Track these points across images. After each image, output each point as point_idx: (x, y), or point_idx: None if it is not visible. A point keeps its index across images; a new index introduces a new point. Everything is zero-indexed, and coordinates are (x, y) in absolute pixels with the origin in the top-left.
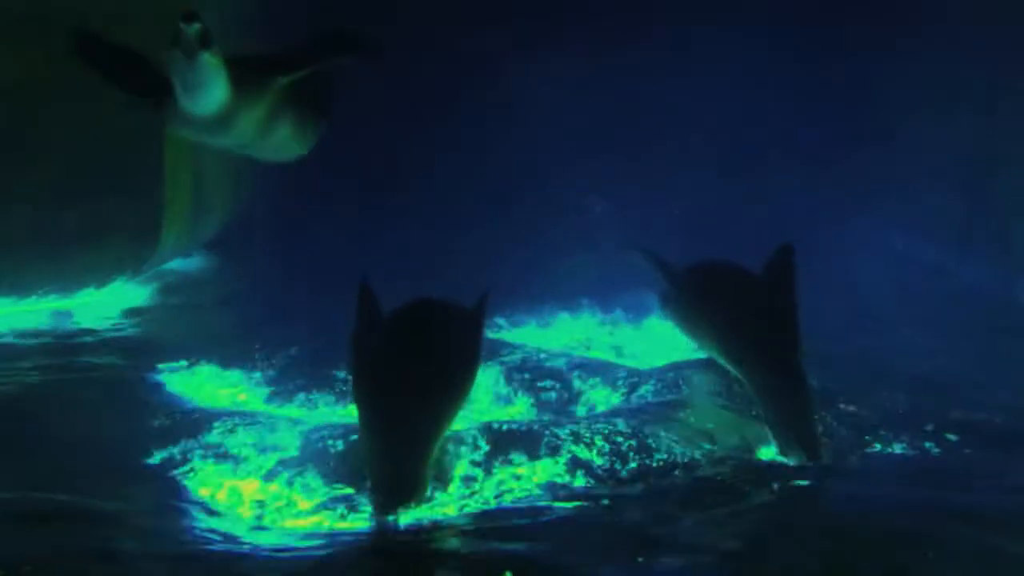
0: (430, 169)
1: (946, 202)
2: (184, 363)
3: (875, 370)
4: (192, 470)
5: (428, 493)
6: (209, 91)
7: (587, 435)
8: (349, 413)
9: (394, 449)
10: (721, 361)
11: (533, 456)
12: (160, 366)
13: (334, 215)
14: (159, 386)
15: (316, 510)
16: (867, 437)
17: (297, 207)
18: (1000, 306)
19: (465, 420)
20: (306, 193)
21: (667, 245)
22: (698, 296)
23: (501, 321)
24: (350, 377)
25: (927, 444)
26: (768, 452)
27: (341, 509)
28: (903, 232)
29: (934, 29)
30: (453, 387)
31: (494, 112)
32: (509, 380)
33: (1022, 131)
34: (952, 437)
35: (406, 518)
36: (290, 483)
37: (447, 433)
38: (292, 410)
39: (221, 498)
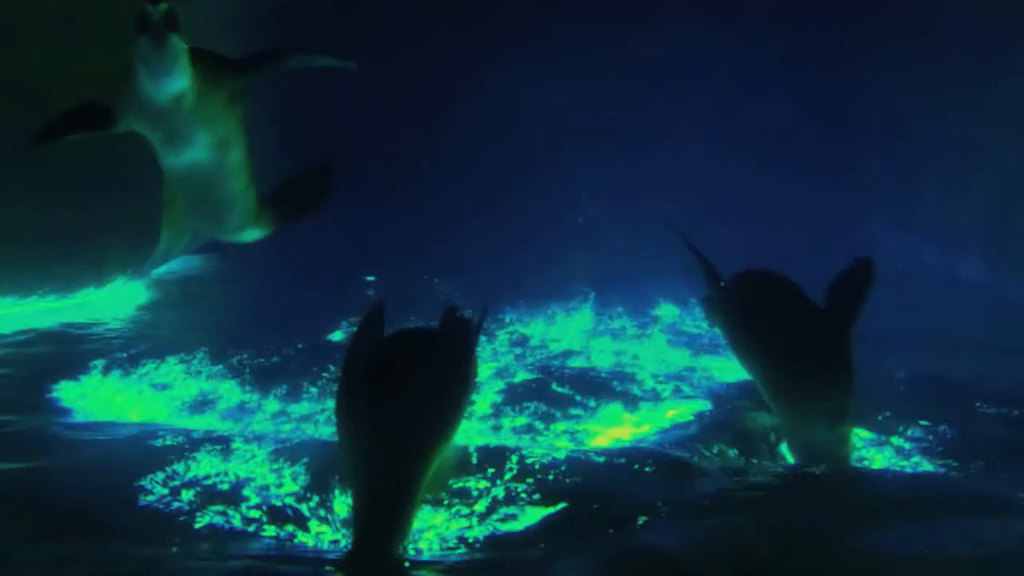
0: (429, 170)
1: (946, 204)
2: (174, 361)
3: (876, 373)
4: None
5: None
6: (174, 76)
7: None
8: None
9: (380, 493)
10: (758, 382)
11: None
12: (151, 365)
13: (335, 217)
14: (142, 383)
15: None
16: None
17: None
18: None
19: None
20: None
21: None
22: (742, 312)
23: (507, 318)
24: (336, 406)
25: (928, 446)
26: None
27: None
28: (906, 235)
29: (933, 34)
30: (443, 420)
31: (494, 111)
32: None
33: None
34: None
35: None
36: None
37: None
38: (273, 402)
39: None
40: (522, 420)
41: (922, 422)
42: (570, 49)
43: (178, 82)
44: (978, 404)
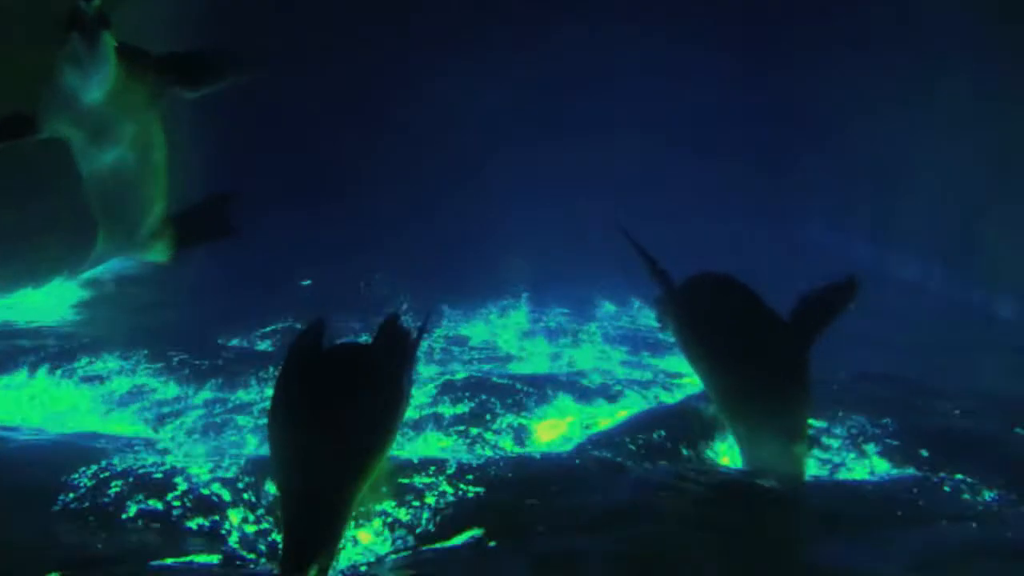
0: (366, 169)
1: (927, 217)
2: (107, 360)
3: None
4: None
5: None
6: (103, 73)
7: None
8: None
9: (306, 510)
10: (710, 393)
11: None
12: (83, 363)
13: (274, 218)
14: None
15: None
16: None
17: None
18: (983, 321)
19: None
20: (244, 196)
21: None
22: (695, 319)
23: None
24: (269, 422)
25: (899, 458)
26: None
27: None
28: (879, 246)
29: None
30: (376, 438)
31: (431, 113)
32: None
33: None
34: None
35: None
36: None
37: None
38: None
39: None
40: (462, 408)
41: (860, 417)
42: (505, 49)
43: (106, 79)
44: (922, 401)
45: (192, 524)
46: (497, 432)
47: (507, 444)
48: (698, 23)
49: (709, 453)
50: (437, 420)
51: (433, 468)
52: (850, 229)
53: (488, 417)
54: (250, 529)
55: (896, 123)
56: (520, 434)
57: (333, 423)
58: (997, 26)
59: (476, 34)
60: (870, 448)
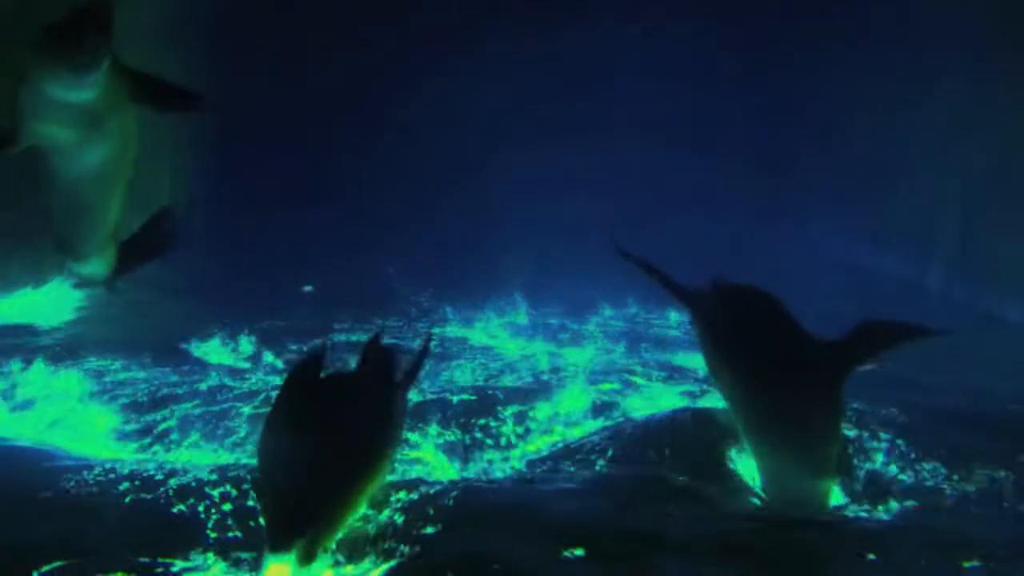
0: (367, 169)
1: (927, 217)
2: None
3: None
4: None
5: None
6: (99, 73)
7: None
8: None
9: (291, 489)
10: (733, 413)
11: None
12: (86, 361)
13: (274, 218)
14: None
15: None
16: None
17: (235, 208)
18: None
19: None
20: (245, 195)
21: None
22: (721, 335)
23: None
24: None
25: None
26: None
27: None
28: (879, 246)
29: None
30: (367, 468)
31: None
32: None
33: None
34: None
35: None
36: None
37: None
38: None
39: None
40: (466, 396)
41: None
42: (505, 49)
43: (102, 78)
44: (922, 401)
45: (182, 516)
46: (501, 420)
47: (508, 435)
48: (698, 23)
49: (731, 454)
50: (443, 412)
51: (425, 488)
52: (850, 229)
53: (497, 409)
54: (240, 522)
55: (896, 123)
56: (522, 423)
57: (326, 441)
58: (997, 26)
59: (476, 34)
60: (875, 448)
